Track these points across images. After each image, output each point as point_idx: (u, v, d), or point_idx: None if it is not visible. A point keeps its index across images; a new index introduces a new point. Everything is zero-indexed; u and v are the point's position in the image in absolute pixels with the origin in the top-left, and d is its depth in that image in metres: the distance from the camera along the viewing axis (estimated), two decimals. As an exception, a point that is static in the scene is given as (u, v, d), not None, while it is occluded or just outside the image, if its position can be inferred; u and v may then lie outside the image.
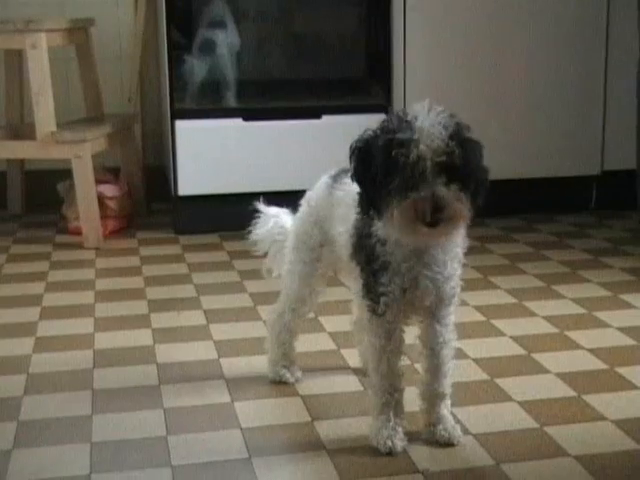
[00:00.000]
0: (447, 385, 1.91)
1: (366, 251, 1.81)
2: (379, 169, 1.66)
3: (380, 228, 1.76)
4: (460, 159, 1.65)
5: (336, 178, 2.06)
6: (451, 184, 1.65)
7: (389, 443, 1.85)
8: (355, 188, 1.76)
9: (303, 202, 2.15)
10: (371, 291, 1.81)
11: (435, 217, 1.63)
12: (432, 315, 1.86)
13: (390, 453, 1.85)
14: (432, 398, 1.90)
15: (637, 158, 3.42)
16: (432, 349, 1.88)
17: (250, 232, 2.28)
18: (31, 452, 1.93)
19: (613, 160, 3.89)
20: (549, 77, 3.81)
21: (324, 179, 2.11)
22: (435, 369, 1.89)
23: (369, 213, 1.72)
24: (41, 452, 1.92)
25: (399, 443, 1.86)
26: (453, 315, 1.89)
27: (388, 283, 1.78)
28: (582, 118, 3.87)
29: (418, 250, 1.76)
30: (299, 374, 2.24)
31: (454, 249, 1.81)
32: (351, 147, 1.74)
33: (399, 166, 1.63)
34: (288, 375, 2.22)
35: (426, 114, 1.69)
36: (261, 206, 2.33)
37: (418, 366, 1.98)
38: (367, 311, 1.85)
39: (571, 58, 3.82)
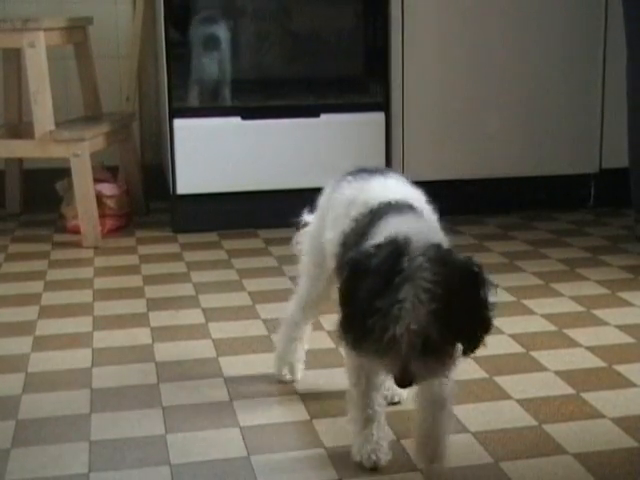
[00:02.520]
0: (448, 392, 1.75)
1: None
2: (358, 311, 1.54)
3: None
4: (442, 332, 1.50)
5: (341, 179, 1.98)
6: (430, 353, 1.52)
7: (373, 457, 1.78)
8: (349, 193, 1.74)
9: (317, 206, 2.08)
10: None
11: (401, 386, 1.58)
12: None
13: (375, 468, 1.79)
14: (428, 404, 1.76)
15: (629, 156, 3.43)
16: (424, 407, 1.75)
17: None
18: (30, 451, 1.93)
19: (611, 158, 3.89)
20: (547, 75, 3.81)
21: (334, 178, 2.04)
22: (427, 420, 1.75)
23: (346, 337, 1.58)
24: (40, 451, 1.92)
25: (383, 457, 1.79)
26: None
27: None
28: (580, 116, 3.87)
29: None
30: (299, 375, 2.21)
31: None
32: (348, 260, 1.60)
33: (373, 331, 1.51)
34: (288, 376, 2.21)
35: (416, 273, 1.50)
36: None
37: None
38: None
39: (569, 56, 3.82)
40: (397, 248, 1.52)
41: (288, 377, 2.21)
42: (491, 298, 1.55)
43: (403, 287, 1.48)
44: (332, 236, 1.87)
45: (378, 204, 1.74)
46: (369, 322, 1.50)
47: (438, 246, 1.54)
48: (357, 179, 1.93)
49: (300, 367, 2.22)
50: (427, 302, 1.48)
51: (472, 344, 1.56)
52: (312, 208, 2.15)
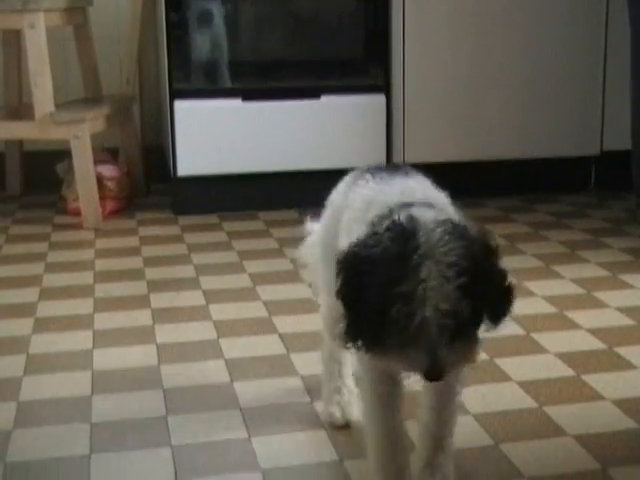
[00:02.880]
0: (449, 429, 1.61)
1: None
2: (372, 307, 1.37)
3: None
4: (471, 313, 1.37)
5: (358, 176, 1.74)
6: (458, 341, 1.38)
7: None
8: (367, 194, 1.56)
9: (327, 203, 1.85)
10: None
11: (426, 379, 1.41)
12: None
13: None
14: (427, 441, 1.61)
15: (632, 137, 3.42)
16: (434, 390, 1.59)
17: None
18: (31, 432, 1.93)
19: (612, 140, 3.89)
20: (548, 57, 3.80)
21: (347, 176, 1.80)
22: (435, 409, 1.60)
23: (355, 342, 1.42)
24: (41, 432, 1.93)
25: None
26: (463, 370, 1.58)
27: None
28: (582, 98, 3.86)
29: None
30: (354, 413, 1.89)
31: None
32: (341, 261, 1.43)
33: (397, 321, 1.35)
34: (338, 415, 1.92)
35: (434, 249, 1.36)
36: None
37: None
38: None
39: (570, 38, 3.81)
40: (404, 229, 1.38)
41: (337, 415, 1.92)
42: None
43: (424, 265, 1.34)
44: (345, 243, 1.62)
45: (398, 206, 1.49)
46: (391, 312, 1.34)
47: (450, 220, 1.41)
48: (376, 178, 1.68)
49: (352, 404, 1.90)
50: (453, 278, 1.34)
51: (497, 318, 1.45)
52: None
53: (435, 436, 1.59)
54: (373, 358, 1.44)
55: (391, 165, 1.80)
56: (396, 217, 1.41)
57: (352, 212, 1.65)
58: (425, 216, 1.41)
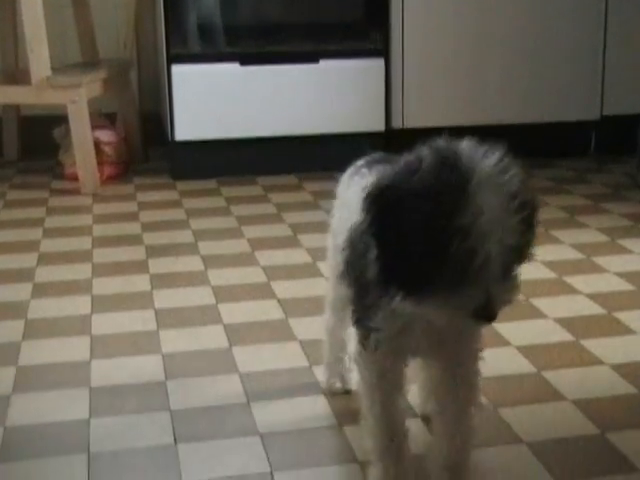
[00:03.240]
0: (463, 457, 1.49)
1: (358, 276, 1.43)
2: (415, 247, 1.22)
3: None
4: (526, 247, 1.27)
5: (355, 171, 1.65)
6: (509, 277, 1.27)
7: None
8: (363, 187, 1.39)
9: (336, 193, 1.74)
10: (361, 323, 1.45)
11: (482, 321, 1.28)
12: (444, 368, 1.47)
13: None
14: (440, 471, 1.50)
15: None
16: (446, 413, 1.48)
17: None
18: (30, 397, 1.93)
19: (613, 105, 3.86)
20: (548, 21, 3.77)
21: (349, 170, 1.70)
22: (447, 435, 1.48)
23: (393, 291, 1.29)
24: (40, 397, 1.93)
25: None
26: (476, 373, 1.47)
27: (382, 322, 1.40)
28: (581, 63, 3.83)
29: None
30: (353, 383, 1.82)
31: None
32: (369, 198, 1.28)
33: (455, 256, 1.21)
34: (338, 385, 1.91)
35: (493, 178, 1.23)
36: None
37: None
38: (356, 342, 1.48)
39: (571, 1, 3.78)
40: (445, 157, 1.25)
41: (338, 385, 1.91)
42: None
43: (482, 194, 1.20)
44: (340, 240, 1.57)
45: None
46: (446, 250, 1.20)
47: (492, 151, 1.28)
48: (372, 171, 1.57)
49: (351, 375, 1.85)
50: (517, 210, 1.22)
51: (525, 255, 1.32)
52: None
53: (449, 465, 1.48)
54: (409, 305, 1.29)
55: (387, 156, 1.61)
56: (432, 147, 1.27)
57: (348, 209, 1.55)
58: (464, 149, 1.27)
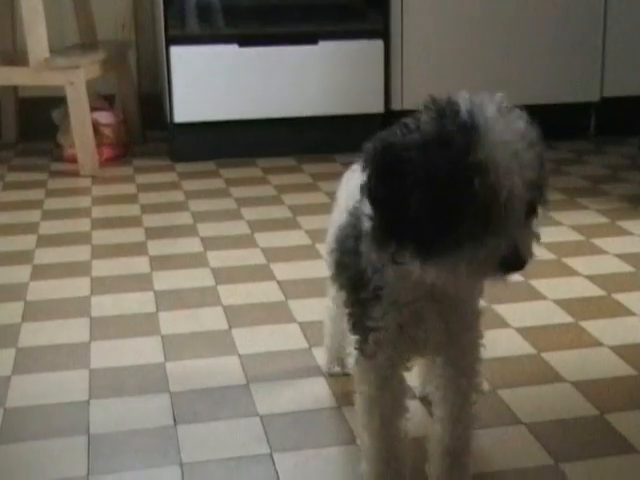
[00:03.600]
0: (464, 444, 1.46)
1: (351, 274, 1.37)
2: (428, 199, 1.14)
3: (369, 248, 1.29)
4: (544, 192, 1.23)
5: (351, 168, 1.58)
6: (532, 227, 1.22)
7: None
8: (353, 185, 1.36)
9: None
10: (357, 325, 1.37)
11: (512, 270, 1.21)
12: (446, 358, 1.42)
13: None
14: (441, 457, 1.46)
15: None
16: (447, 400, 1.43)
17: None
18: (30, 378, 1.93)
19: (613, 86, 3.85)
20: (548, 1, 3.75)
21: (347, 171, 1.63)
22: (448, 422, 1.44)
23: (397, 256, 1.22)
24: (40, 378, 1.93)
25: None
26: (479, 363, 1.43)
27: (380, 317, 1.32)
28: (582, 43, 3.82)
29: (430, 284, 1.27)
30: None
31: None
32: (367, 153, 1.22)
33: (473, 202, 1.13)
34: (338, 368, 1.90)
35: (499, 117, 1.18)
36: None
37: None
38: (354, 349, 1.40)
39: (571, -18, 3.77)
40: (443, 108, 1.19)
41: (337, 369, 1.90)
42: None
43: (496, 128, 1.15)
44: (329, 236, 1.56)
45: None
46: (472, 188, 1.12)
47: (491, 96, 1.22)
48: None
49: (350, 360, 1.81)
50: (534, 148, 1.18)
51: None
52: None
53: (450, 452, 1.44)
54: (424, 270, 1.21)
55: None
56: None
57: (339, 207, 1.53)
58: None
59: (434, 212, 1.15)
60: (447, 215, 1.14)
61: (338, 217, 1.48)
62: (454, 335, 1.36)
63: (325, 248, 1.69)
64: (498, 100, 1.21)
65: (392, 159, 1.18)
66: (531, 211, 1.20)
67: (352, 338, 1.40)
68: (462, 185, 1.13)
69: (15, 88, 3.97)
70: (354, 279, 1.36)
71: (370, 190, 1.20)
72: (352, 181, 1.45)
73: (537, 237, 1.22)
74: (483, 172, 1.12)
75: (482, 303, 2.00)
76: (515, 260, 1.18)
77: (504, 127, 1.16)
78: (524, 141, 1.16)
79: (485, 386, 1.84)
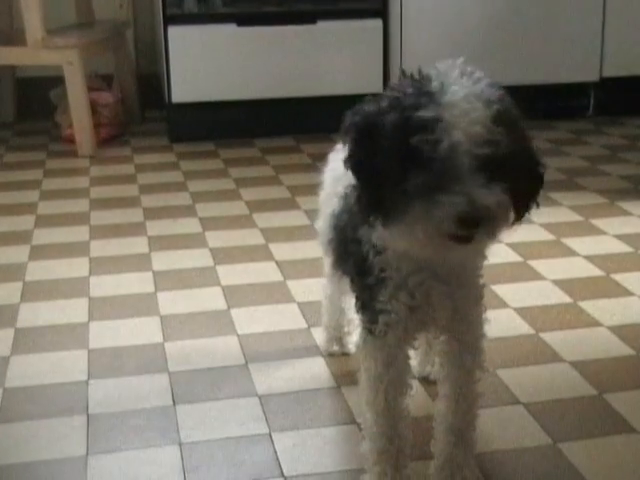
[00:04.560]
0: (468, 421, 1.46)
1: (356, 260, 1.39)
2: (389, 159, 1.20)
3: (371, 233, 1.32)
4: (507, 150, 1.20)
5: (333, 149, 1.65)
6: (493, 183, 1.19)
7: None
8: (337, 166, 1.39)
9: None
10: (367, 307, 1.38)
11: (470, 230, 1.19)
12: (451, 334, 1.42)
13: None
14: (446, 435, 1.46)
15: None
16: (451, 378, 1.44)
17: None
18: (29, 358, 1.94)
19: (612, 66, 3.84)
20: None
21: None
22: (452, 399, 1.44)
23: (370, 218, 1.26)
24: (39, 358, 1.93)
25: None
26: (483, 339, 1.44)
27: (389, 300, 1.34)
28: (581, 24, 3.80)
29: (430, 261, 1.31)
30: (351, 346, 1.89)
31: (476, 258, 1.39)
32: (346, 122, 1.27)
33: (421, 158, 1.18)
34: (336, 348, 1.92)
35: (457, 81, 1.21)
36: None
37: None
38: (361, 328, 1.41)
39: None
40: (413, 81, 1.24)
41: (336, 348, 1.92)
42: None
43: (448, 91, 1.19)
44: (322, 222, 1.60)
45: None
46: (412, 147, 1.17)
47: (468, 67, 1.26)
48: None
49: (349, 339, 1.90)
50: (486, 105, 1.19)
51: (527, 204, 1.30)
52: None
53: (454, 429, 1.45)
54: (396, 237, 1.25)
55: None
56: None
57: (326, 189, 1.58)
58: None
59: (386, 169, 1.20)
60: (394, 170, 1.19)
61: (328, 201, 1.51)
62: (461, 311, 1.37)
63: (320, 236, 1.70)
64: (461, 66, 1.25)
65: (366, 125, 1.24)
66: (490, 168, 1.19)
67: (359, 318, 1.41)
68: (407, 141, 1.18)
69: (13, 68, 3.95)
70: (358, 266, 1.38)
71: (349, 157, 1.25)
72: (337, 162, 1.47)
73: (497, 195, 1.20)
74: (425, 129, 1.17)
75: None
76: (467, 215, 1.17)
77: (457, 89, 1.19)
78: (477, 101, 1.19)
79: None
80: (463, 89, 1.20)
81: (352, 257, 1.40)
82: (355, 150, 1.25)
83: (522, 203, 1.28)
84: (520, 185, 1.25)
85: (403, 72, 1.27)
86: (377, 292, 1.34)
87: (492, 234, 1.24)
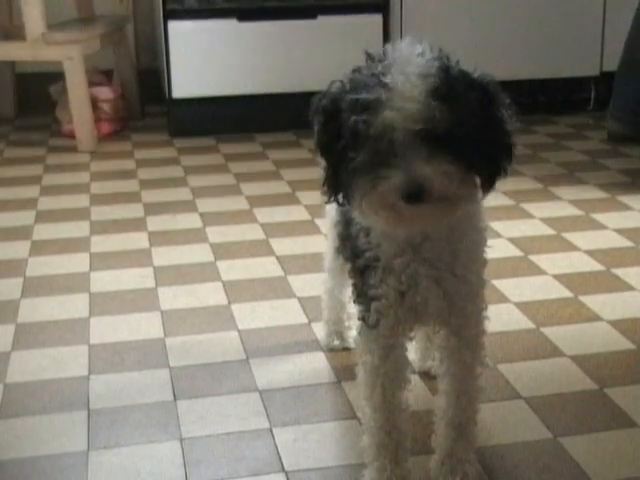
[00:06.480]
0: (469, 416, 1.46)
1: (350, 243, 1.41)
2: (345, 140, 1.25)
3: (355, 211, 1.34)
4: (447, 123, 1.20)
5: None
6: (437, 157, 1.21)
7: None
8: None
9: None
10: (360, 294, 1.40)
11: (415, 202, 1.21)
12: (450, 329, 1.42)
13: None
14: (446, 429, 1.47)
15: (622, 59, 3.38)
16: (451, 372, 1.44)
17: None
18: (30, 354, 1.94)
19: (612, 61, 3.83)
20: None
21: None
22: (453, 394, 1.45)
23: (336, 197, 1.30)
24: (40, 354, 1.93)
25: None
26: (484, 335, 1.44)
27: (379, 284, 1.35)
28: (582, 18, 3.80)
29: (412, 241, 1.33)
30: (351, 340, 1.86)
31: (466, 238, 1.36)
32: (313, 103, 1.33)
33: (362, 137, 1.23)
34: (337, 342, 1.92)
35: (409, 60, 1.25)
36: None
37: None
38: (358, 320, 1.42)
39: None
40: (369, 63, 1.30)
41: (336, 343, 1.92)
42: (510, 120, 1.33)
43: (391, 70, 1.22)
44: (329, 206, 1.62)
45: None
46: (357, 127, 1.23)
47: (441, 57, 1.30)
48: None
49: (350, 334, 1.89)
50: (422, 81, 1.21)
51: (491, 173, 1.30)
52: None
53: (455, 424, 1.45)
54: (362, 211, 1.28)
55: None
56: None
57: None
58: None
59: (340, 149, 1.26)
60: (347, 150, 1.24)
61: None
62: (457, 304, 1.36)
63: (327, 220, 1.73)
64: (413, 46, 1.29)
65: (329, 106, 1.30)
66: (434, 142, 1.21)
67: (356, 309, 1.42)
68: (346, 121, 1.24)
69: (13, 63, 3.95)
70: (352, 248, 1.40)
71: (316, 138, 1.31)
72: None
73: (439, 166, 1.21)
74: (365, 109, 1.22)
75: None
76: (408, 187, 1.20)
77: (400, 68, 1.23)
78: (416, 78, 1.22)
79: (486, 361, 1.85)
80: (407, 67, 1.23)
81: (349, 240, 1.42)
82: (320, 131, 1.30)
83: (486, 172, 1.29)
84: (481, 155, 1.26)
85: (367, 53, 1.32)
86: (368, 276, 1.36)
87: (445, 203, 1.24)
